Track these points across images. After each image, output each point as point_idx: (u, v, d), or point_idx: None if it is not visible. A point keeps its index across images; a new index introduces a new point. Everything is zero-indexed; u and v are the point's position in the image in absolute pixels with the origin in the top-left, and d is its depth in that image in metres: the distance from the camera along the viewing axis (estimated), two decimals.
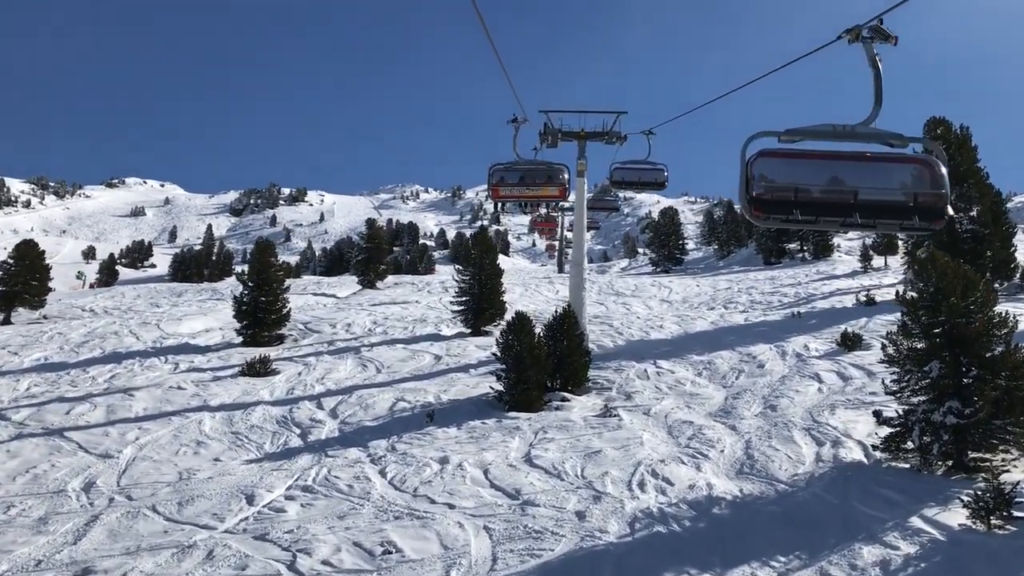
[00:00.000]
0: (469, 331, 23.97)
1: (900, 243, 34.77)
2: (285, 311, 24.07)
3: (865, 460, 11.64)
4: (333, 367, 19.44)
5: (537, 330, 16.23)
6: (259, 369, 18.26)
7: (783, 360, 17.99)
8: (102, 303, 35.45)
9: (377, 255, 42.99)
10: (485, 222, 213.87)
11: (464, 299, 24.30)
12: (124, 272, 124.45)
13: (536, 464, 11.88)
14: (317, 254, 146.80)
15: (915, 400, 11.45)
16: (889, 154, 6.48)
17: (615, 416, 14.32)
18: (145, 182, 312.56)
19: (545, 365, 15.64)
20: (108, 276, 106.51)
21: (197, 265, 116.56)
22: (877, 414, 11.84)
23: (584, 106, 21.10)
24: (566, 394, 15.90)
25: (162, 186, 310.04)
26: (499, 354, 15.54)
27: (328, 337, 24.13)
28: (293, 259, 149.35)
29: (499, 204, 19.27)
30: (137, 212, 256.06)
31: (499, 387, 15.47)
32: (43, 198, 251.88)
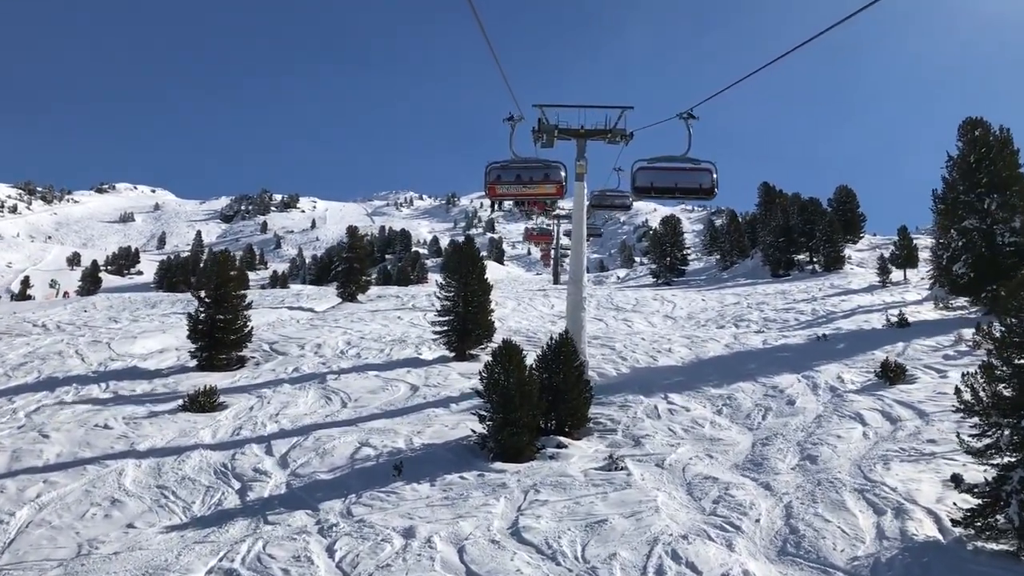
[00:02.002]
0: (453, 355, 21.31)
1: (922, 255, 32.32)
2: (246, 330, 21.44)
3: (941, 538, 9.21)
4: (291, 400, 16.82)
5: (529, 361, 13.65)
6: (203, 403, 15.58)
7: (815, 395, 15.50)
8: (59, 316, 32.72)
9: (359, 265, 40.32)
10: (478, 230, 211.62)
11: (447, 319, 21.61)
12: (109, 279, 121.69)
13: (525, 539, 9.46)
14: (307, 261, 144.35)
15: (999, 460, 9.06)
16: None
17: (622, 469, 11.80)
18: (136, 187, 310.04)
19: (538, 403, 13.12)
20: (91, 284, 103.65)
21: (184, 273, 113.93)
22: (957, 480, 9.36)
23: (586, 103, 17.86)
24: (563, 438, 13.35)
25: (153, 192, 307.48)
26: (483, 391, 12.98)
27: (294, 361, 21.52)
28: (283, 267, 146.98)
29: (495, 204, 16.74)
30: (126, 218, 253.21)
31: (482, 429, 12.91)
32: (30, 203, 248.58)
